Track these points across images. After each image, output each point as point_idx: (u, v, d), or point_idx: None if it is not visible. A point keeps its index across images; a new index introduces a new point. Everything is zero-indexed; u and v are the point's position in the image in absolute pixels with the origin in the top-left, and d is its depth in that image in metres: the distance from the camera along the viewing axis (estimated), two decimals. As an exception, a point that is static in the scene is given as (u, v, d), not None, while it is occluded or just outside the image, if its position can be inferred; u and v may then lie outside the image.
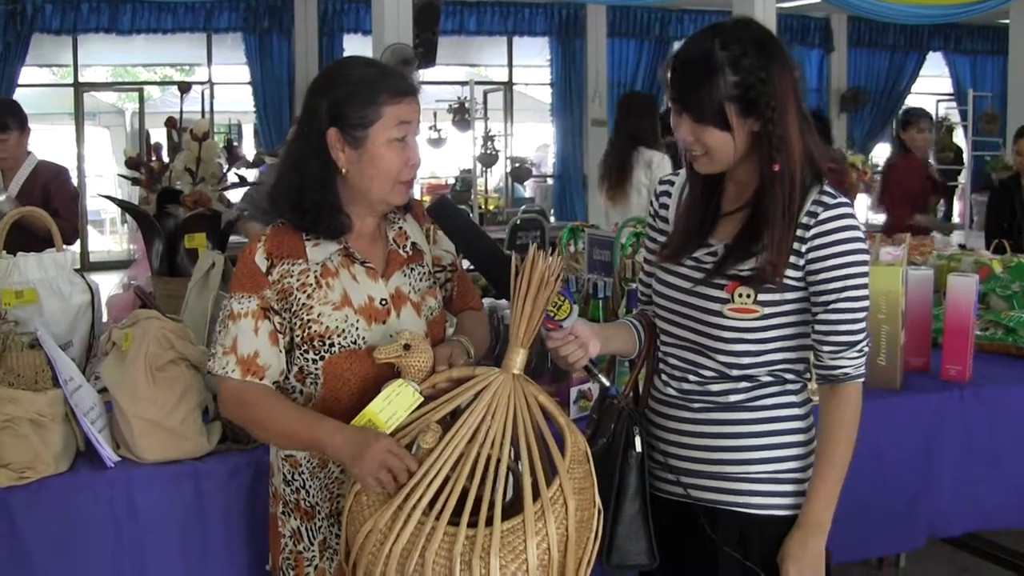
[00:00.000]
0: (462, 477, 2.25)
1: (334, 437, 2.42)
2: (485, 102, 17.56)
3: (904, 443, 3.70)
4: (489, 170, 16.50)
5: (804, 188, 2.50)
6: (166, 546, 2.95)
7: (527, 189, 19.49)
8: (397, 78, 2.59)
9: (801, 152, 2.48)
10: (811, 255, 2.48)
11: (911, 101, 21.76)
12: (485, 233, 2.81)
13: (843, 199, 2.51)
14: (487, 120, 16.91)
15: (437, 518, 2.21)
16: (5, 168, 6.23)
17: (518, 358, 2.40)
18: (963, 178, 19.30)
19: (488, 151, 15.63)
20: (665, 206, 2.79)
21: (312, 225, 2.58)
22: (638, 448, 2.64)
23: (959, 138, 20.00)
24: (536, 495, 2.21)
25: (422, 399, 2.41)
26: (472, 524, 2.19)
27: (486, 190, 17.17)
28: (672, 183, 2.78)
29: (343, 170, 2.56)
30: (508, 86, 19.29)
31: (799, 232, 2.49)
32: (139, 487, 2.93)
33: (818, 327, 2.54)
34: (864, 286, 2.50)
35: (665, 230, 2.76)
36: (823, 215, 2.47)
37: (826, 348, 2.53)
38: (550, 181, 19.40)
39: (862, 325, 2.52)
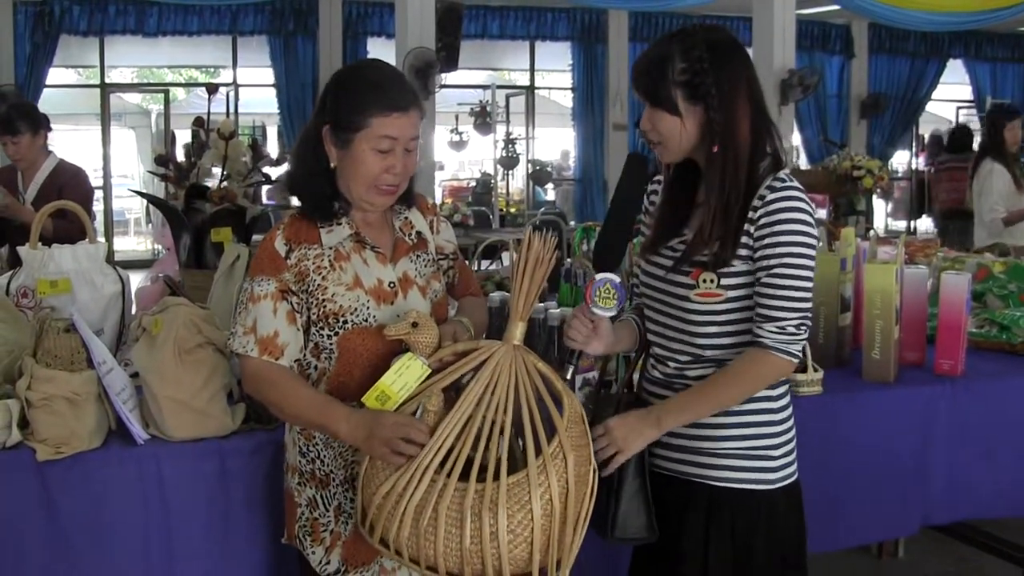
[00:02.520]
0: (470, 439, 2.43)
1: (343, 424, 2.60)
2: (507, 106, 17.65)
3: (898, 434, 3.81)
4: (510, 173, 16.62)
5: (755, 176, 2.67)
6: (191, 518, 3.09)
7: (549, 192, 19.59)
8: (393, 92, 2.70)
9: (749, 141, 2.67)
10: (756, 234, 2.64)
11: (931, 108, 21.78)
12: (631, 216, 3.00)
13: (793, 184, 2.66)
14: (509, 123, 17.02)
15: (448, 476, 2.38)
16: (23, 169, 6.37)
17: (518, 330, 2.57)
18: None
19: (509, 154, 15.74)
20: (654, 204, 2.95)
21: (309, 209, 2.78)
22: None
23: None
24: (538, 451, 2.38)
25: (430, 371, 2.58)
26: (480, 481, 2.37)
27: (507, 193, 17.28)
28: (661, 182, 2.94)
29: (332, 164, 2.74)
30: (530, 90, 19.35)
31: (750, 215, 2.65)
32: (167, 463, 3.07)
33: (755, 298, 2.68)
34: (798, 267, 2.62)
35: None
36: (769, 197, 2.63)
37: (754, 317, 2.67)
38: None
39: (789, 304, 2.62)
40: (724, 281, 2.69)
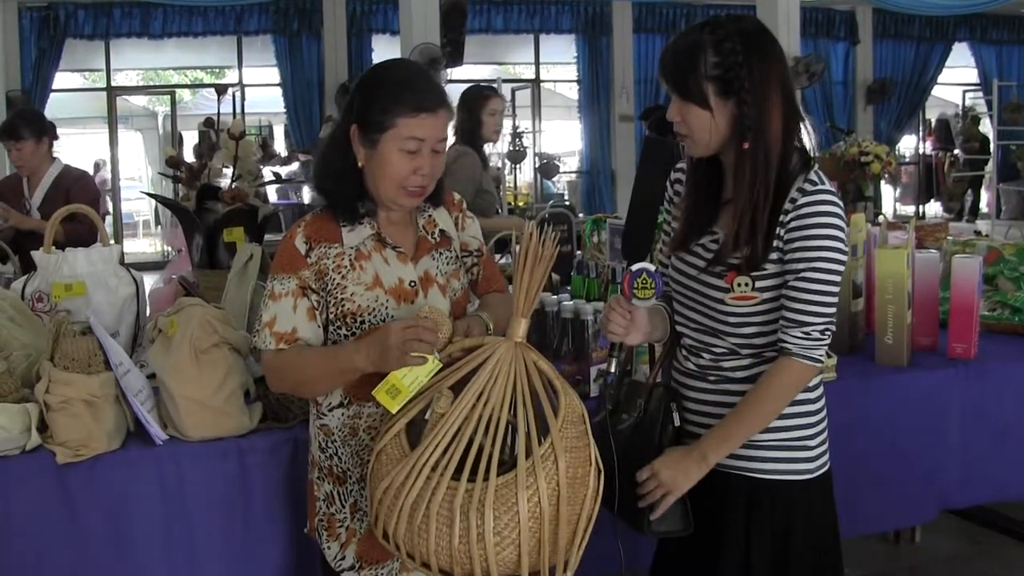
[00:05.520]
0: (466, 436, 2.39)
1: (358, 357, 2.60)
2: (513, 100, 17.65)
3: (913, 418, 3.81)
4: (518, 166, 16.63)
5: (787, 174, 2.63)
6: (212, 517, 3.11)
7: (557, 185, 19.59)
8: (420, 93, 2.67)
9: (781, 138, 2.61)
10: (787, 237, 2.60)
11: (937, 92, 21.77)
12: (654, 203, 2.99)
13: (825, 187, 2.61)
14: (515, 117, 17.03)
15: (443, 474, 2.36)
16: (28, 176, 6.41)
17: (520, 327, 2.51)
18: (990, 167, 19.31)
19: (516, 148, 15.76)
20: (679, 193, 2.91)
21: (336, 209, 2.77)
22: (676, 423, 2.79)
23: (985, 128, 19.98)
24: (528, 452, 2.35)
25: (441, 365, 2.55)
26: (473, 479, 2.35)
27: (515, 186, 17.30)
28: (684, 170, 2.89)
29: (360, 164, 2.73)
30: (535, 83, 19.36)
31: (781, 218, 2.61)
32: (186, 463, 3.09)
33: (782, 302, 2.65)
34: (826, 272, 2.59)
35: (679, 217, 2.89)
36: (801, 201, 2.59)
37: (780, 321, 2.65)
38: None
39: (816, 308, 2.59)
40: (759, 284, 2.66)
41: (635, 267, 2.70)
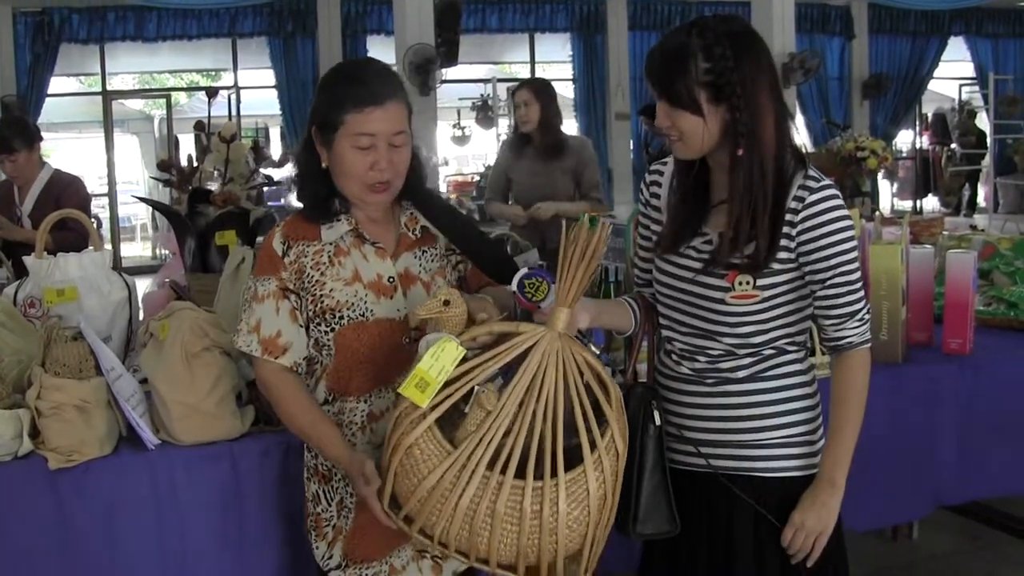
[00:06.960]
0: (523, 432, 2.37)
1: (333, 452, 2.69)
2: (509, 99, 17.64)
3: (908, 414, 3.79)
4: (513, 165, 16.61)
5: (784, 174, 2.61)
6: (204, 522, 3.10)
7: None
8: (367, 86, 2.67)
9: (776, 141, 2.59)
10: (801, 238, 2.60)
11: (933, 86, 21.76)
12: (467, 220, 2.99)
13: (826, 182, 2.62)
14: (511, 117, 17.02)
15: (502, 472, 2.34)
16: (20, 185, 6.38)
17: (563, 317, 2.48)
18: (987, 162, 19.29)
19: (512, 147, 15.73)
20: (656, 195, 2.89)
21: (308, 210, 2.79)
22: (657, 422, 2.75)
23: (982, 122, 19.97)
24: (593, 446, 2.37)
25: (464, 352, 2.47)
26: (537, 476, 2.34)
27: (511, 184, 17.29)
28: (661, 172, 2.88)
29: (324, 164, 2.74)
30: (531, 83, 19.34)
31: (788, 217, 2.60)
32: (178, 467, 3.08)
33: (818, 303, 2.67)
34: (854, 260, 2.62)
35: (658, 219, 2.87)
36: (809, 199, 2.59)
37: (829, 322, 2.67)
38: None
39: (858, 295, 2.64)
40: (760, 282, 2.65)
41: (515, 278, 2.64)
